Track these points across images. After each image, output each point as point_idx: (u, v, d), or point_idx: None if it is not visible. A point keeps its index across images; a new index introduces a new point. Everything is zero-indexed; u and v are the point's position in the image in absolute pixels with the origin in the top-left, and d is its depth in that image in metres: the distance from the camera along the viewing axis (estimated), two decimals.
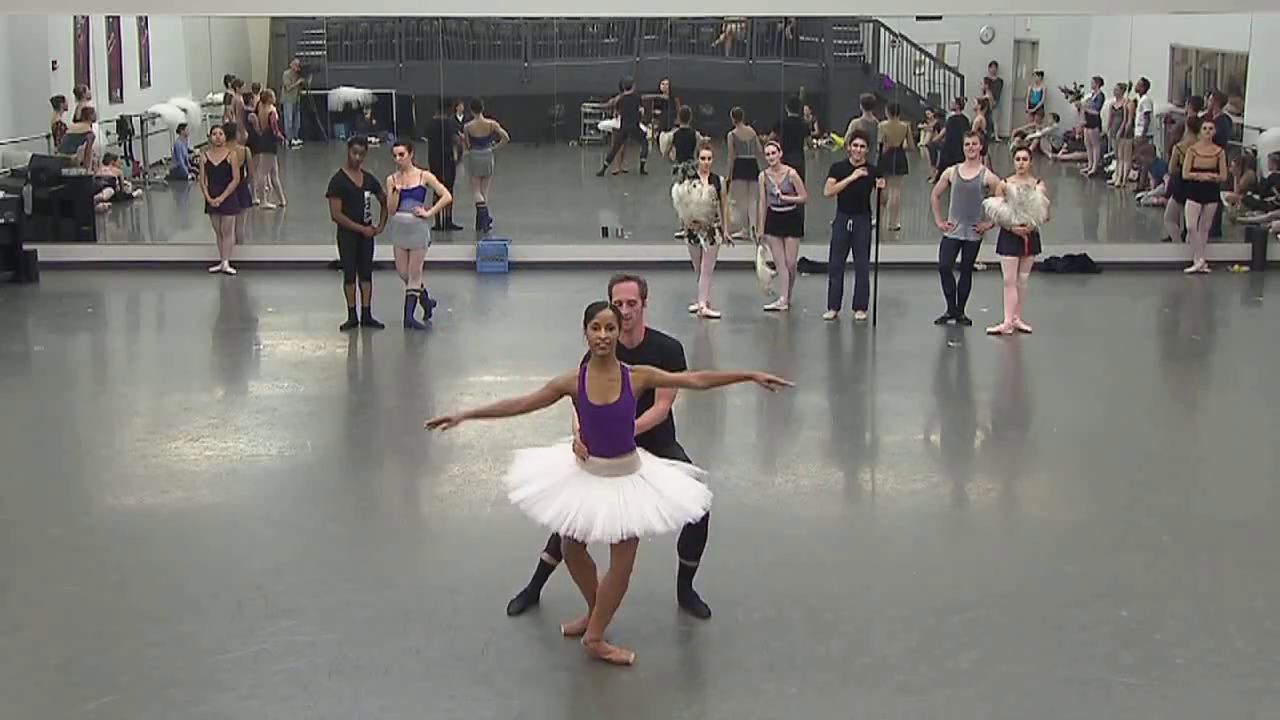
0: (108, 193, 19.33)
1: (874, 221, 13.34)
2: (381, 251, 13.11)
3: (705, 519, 6.41)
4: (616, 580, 6.16)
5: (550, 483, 6.06)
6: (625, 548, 6.06)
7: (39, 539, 7.83)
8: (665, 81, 24.72)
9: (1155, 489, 8.78)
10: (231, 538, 7.89)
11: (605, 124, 24.47)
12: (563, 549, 6.25)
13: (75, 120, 19.38)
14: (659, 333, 6.74)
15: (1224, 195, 17.06)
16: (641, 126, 23.23)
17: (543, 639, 6.47)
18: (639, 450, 6.11)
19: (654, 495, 6.02)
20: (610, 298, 6.34)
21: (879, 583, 7.20)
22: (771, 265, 13.48)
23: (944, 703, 5.93)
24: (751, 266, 13.60)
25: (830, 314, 13.42)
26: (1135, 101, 21.08)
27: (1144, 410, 10.94)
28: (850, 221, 13.25)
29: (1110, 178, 22.10)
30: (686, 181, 13.35)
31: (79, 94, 20.01)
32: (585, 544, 6.12)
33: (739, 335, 13.26)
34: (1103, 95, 22.23)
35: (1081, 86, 23.54)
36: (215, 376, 12.19)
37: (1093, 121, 22.63)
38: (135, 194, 20.54)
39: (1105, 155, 22.74)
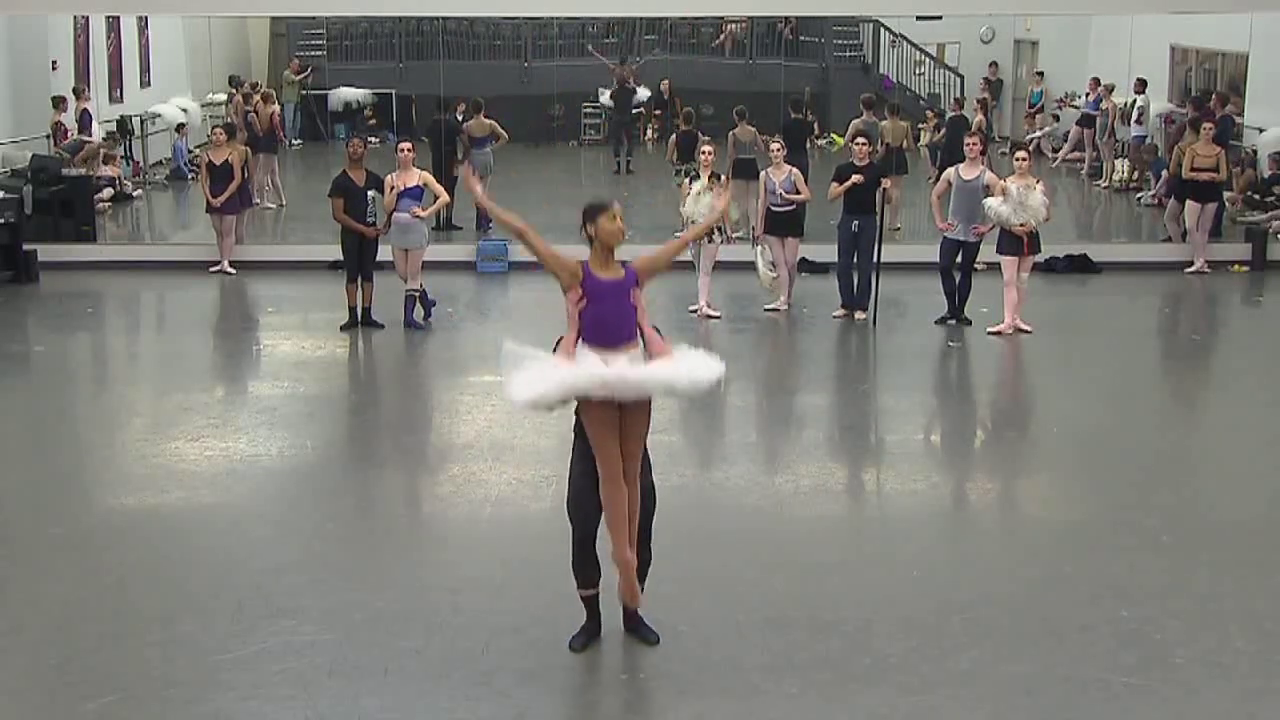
0: (108, 193, 19.33)
1: (878, 223, 13.35)
2: (383, 251, 13.11)
3: (649, 542, 6.34)
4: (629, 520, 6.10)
5: (562, 367, 5.96)
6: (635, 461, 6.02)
7: (39, 539, 7.83)
8: (666, 81, 24.71)
9: (1155, 489, 8.78)
10: (231, 538, 7.89)
11: (604, 98, 24.33)
12: (603, 478, 5.98)
13: (76, 122, 19.42)
14: None
15: (1225, 195, 17.06)
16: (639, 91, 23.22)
17: (543, 639, 6.47)
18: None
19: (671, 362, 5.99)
20: (598, 214, 6.15)
21: (879, 583, 7.20)
22: (772, 265, 13.49)
23: (944, 703, 5.94)
24: (751, 266, 13.61)
25: (840, 312, 13.44)
26: (1133, 103, 21.07)
27: (1144, 410, 10.94)
28: (855, 223, 13.26)
29: (1099, 177, 22.14)
30: (695, 185, 13.31)
31: (78, 94, 20.02)
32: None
33: (739, 335, 13.26)
34: (1100, 96, 22.23)
35: (1075, 98, 23.57)
36: (215, 376, 12.19)
37: (1088, 122, 22.63)
38: (135, 194, 20.55)
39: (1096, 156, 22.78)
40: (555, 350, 6.13)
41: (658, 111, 24.21)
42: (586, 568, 6.36)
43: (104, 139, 20.15)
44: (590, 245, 6.14)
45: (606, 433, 5.98)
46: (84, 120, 19.80)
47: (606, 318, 5.99)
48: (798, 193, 13.39)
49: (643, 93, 23.41)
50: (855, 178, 13.14)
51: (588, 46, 24.81)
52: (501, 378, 6.07)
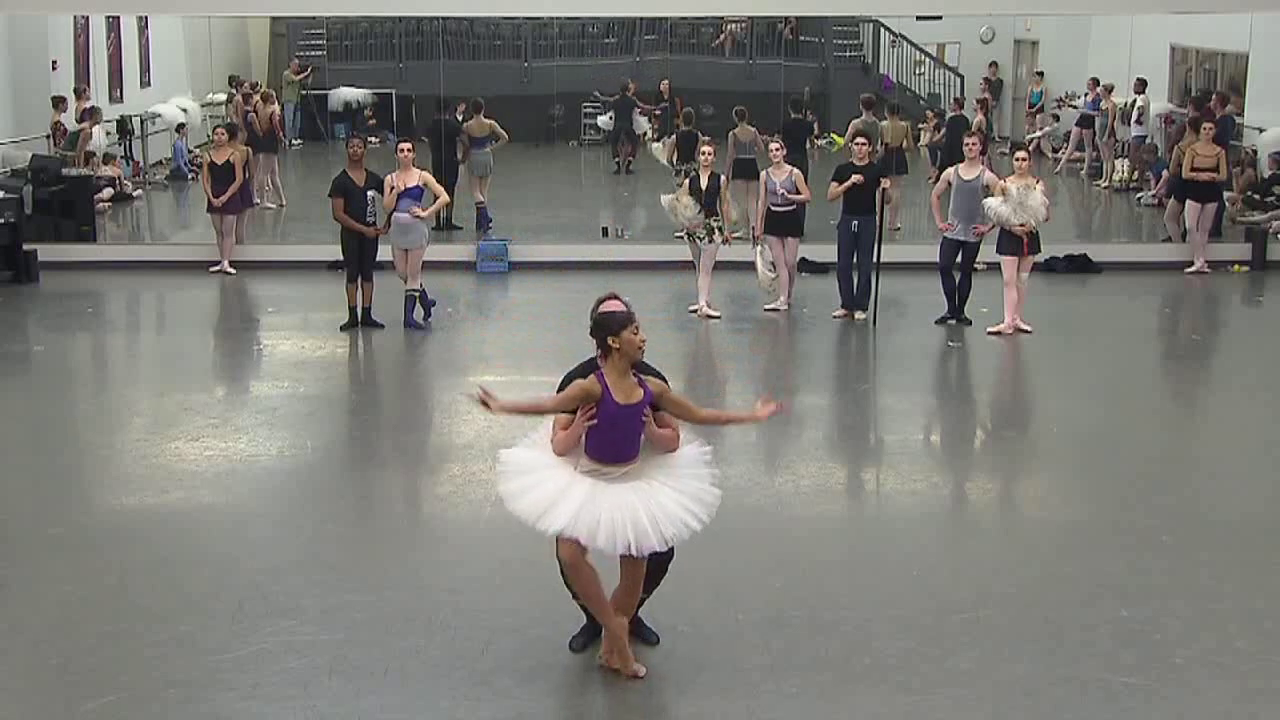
0: (108, 193, 19.33)
1: (878, 222, 13.35)
2: (383, 251, 13.12)
3: (670, 553, 6.26)
4: (632, 590, 6.10)
5: (555, 487, 5.92)
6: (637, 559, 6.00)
7: (39, 539, 7.83)
8: (665, 82, 24.72)
9: (1155, 489, 8.78)
10: (231, 538, 7.89)
11: (603, 120, 24.41)
12: (561, 557, 6.00)
13: (77, 120, 19.40)
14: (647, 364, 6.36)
15: (1225, 195, 17.05)
16: (637, 119, 23.23)
17: (543, 639, 6.47)
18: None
19: (673, 493, 5.94)
20: (623, 327, 5.94)
21: (879, 583, 7.20)
22: (772, 265, 13.49)
23: (944, 703, 5.94)
24: (751, 266, 13.61)
25: (841, 312, 13.44)
26: (1133, 103, 21.07)
27: (1144, 410, 10.94)
28: (855, 223, 13.26)
29: (1099, 177, 22.16)
30: (673, 194, 13.37)
31: (79, 94, 20.01)
32: (586, 551, 5.94)
33: (739, 335, 13.26)
34: (1099, 96, 22.24)
35: (1075, 98, 23.57)
36: (215, 376, 12.20)
37: (1087, 122, 22.63)
38: (135, 194, 20.54)
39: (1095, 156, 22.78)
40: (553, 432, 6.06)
41: (657, 112, 24.19)
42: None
43: (90, 110, 19.82)
44: (607, 356, 5.94)
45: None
46: (84, 120, 19.77)
47: (617, 439, 5.96)
48: (798, 193, 13.39)
49: (640, 122, 23.40)
50: (855, 178, 13.14)
51: (595, 92, 24.84)
52: (501, 488, 6.05)
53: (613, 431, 5.95)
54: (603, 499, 5.86)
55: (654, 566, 6.27)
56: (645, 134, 23.31)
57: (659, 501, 5.92)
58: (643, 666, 6.15)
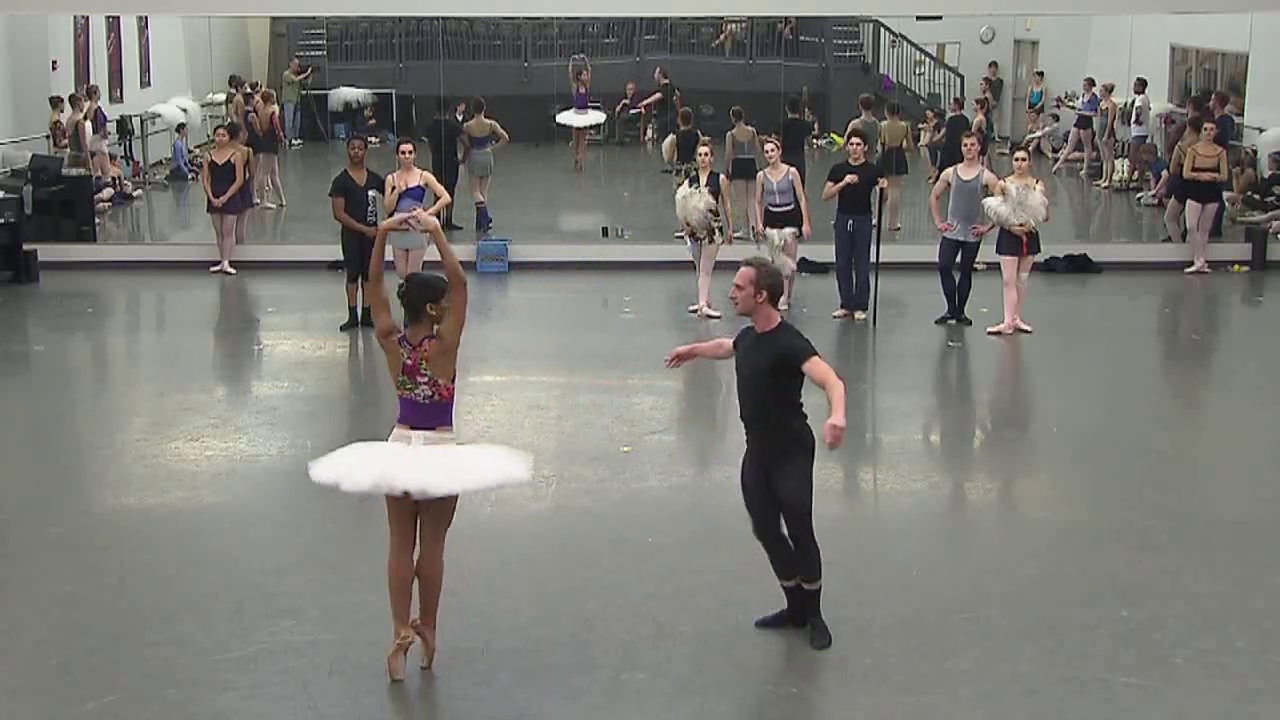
0: (108, 193, 19.32)
1: (874, 222, 13.35)
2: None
3: (800, 531, 6.40)
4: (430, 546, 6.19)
5: (361, 456, 6.14)
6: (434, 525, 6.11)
7: (39, 539, 7.84)
8: (665, 82, 24.69)
9: (1155, 489, 8.78)
10: (231, 538, 7.90)
11: (564, 116, 23.96)
12: (391, 539, 6.15)
13: (90, 122, 19.39)
14: (792, 330, 6.85)
15: (1225, 195, 17.05)
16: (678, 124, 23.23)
17: (543, 639, 6.48)
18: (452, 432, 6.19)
19: (453, 458, 6.06)
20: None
21: (879, 583, 7.20)
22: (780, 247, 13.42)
23: (944, 703, 5.94)
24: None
25: (841, 312, 13.43)
26: (1133, 103, 21.08)
27: (1144, 410, 10.94)
28: (850, 222, 13.26)
29: (1099, 177, 22.16)
30: (692, 186, 13.33)
31: (90, 94, 19.97)
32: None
33: None
34: (1096, 96, 22.25)
35: (1073, 98, 23.58)
36: (215, 376, 12.19)
37: (1085, 122, 22.63)
38: (135, 194, 20.53)
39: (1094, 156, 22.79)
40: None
41: (655, 112, 24.17)
42: (772, 559, 6.51)
43: (70, 97, 19.67)
44: (420, 322, 6.13)
45: (397, 514, 6.08)
46: (98, 120, 19.76)
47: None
48: (794, 192, 13.34)
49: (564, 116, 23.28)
50: (850, 177, 13.13)
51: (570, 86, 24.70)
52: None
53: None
54: (389, 453, 6.05)
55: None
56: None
57: (448, 455, 6.04)
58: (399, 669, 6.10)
